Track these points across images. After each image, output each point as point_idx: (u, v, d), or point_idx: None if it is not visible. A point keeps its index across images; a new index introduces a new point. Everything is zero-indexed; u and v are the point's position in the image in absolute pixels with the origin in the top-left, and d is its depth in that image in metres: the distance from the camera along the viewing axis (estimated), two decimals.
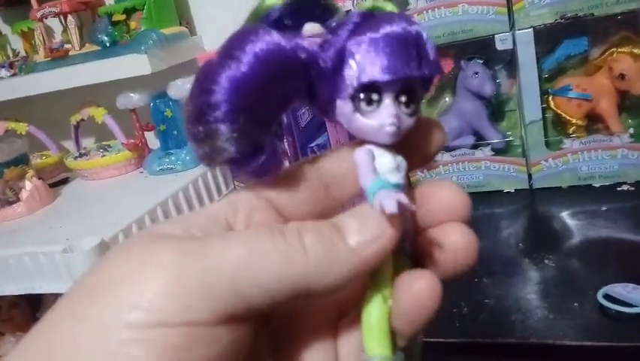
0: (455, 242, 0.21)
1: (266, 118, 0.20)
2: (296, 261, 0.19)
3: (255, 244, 0.19)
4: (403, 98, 0.20)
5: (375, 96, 0.20)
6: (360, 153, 0.21)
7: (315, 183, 0.22)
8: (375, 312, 0.20)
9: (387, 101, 0.20)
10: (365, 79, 0.19)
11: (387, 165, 0.21)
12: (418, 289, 0.20)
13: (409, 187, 0.22)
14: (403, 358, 0.21)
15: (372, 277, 0.21)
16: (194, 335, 0.18)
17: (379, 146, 0.21)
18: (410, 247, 0.22)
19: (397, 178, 0.21)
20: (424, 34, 0.20)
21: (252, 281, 0.18)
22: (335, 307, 0.23)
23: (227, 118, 0.19)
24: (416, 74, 0.20)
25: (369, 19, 0.20)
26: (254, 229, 0.20)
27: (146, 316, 0.17)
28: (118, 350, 0.17)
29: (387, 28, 0.20)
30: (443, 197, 0.22)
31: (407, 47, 0.20)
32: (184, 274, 0.18)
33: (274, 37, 0.19)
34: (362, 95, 0.20)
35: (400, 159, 0.21)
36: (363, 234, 0.19)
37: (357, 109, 0.20)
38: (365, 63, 0.20)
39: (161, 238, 0.19)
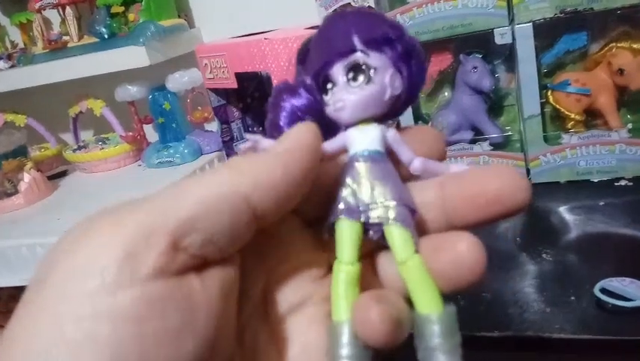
0: (462, 251, 0.20)
1: None
2: (221, 175, 0.20)
3: (181, 182, 0.20)
4: (350, 75, 0.22)
5: (329, 85, 0.23)
6: (338, 134, 0.23)
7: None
8: (341, 277, 0.21)
9: (340, 83, 0.22)
10: (310, 76, 0.23)
11: (359, 137, 0.23)
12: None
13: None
14: None
15: (340, 242, 0.21)
16: (151, 297, 0.17)
17: (353, 125, 0.23)
18: (411, 225, 0.21)
19: (372, 146, 0.22)
20: (349, 21, 0.22)
21: (183, 205, 0.18)
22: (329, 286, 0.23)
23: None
24: (344, 50, 0.22)
25: (315, 35, 0.24)
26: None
27: (94, 280, 0.17)
28: (73, 330, 0.16)
29: (318, 35, 0.23)
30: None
31: (332, 37, 0.22)
32: (120, 227, 0.18)
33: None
34: (321, 90, 0.23)
35: (379, 130, 0.23)
36: (284, 140, 0.21)
37: (325, 105, 0.23)
38: (310, 67, 0.23)
39: (99, 212, 0.20)
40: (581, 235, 0.60)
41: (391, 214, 0.21)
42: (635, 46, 0.68)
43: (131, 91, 0.97)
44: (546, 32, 0.70)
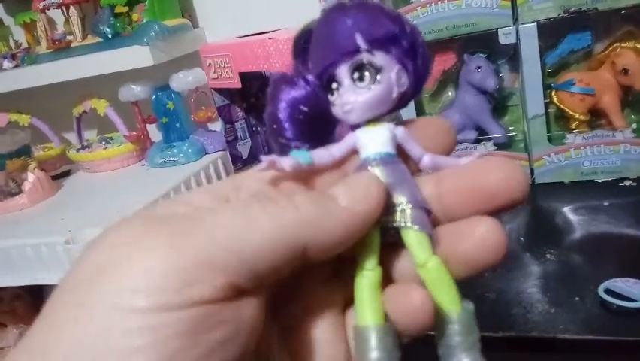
0: (483, 234, 0.21)
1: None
2: (287, 217, 0.19)
3: (245, 209, 0.19)
4: (355, 75, 0.22)
5: (334, 85, 0.22)
6: (346, 136, 0.23)
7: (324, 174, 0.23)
8: (364, 282, 0.21)
9: (345, 83, 0.22)
10: (314, 75, 0.23)
11: (369, 140, 0.22)
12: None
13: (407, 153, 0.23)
14: (393, 328, 0.21)
15: (359, 249, 0.22)
16: (198, 318, 0.17)
17: (361, 126, 0.23)
18: (428, 227, 0.21)
19: (383, 148, 0.22)
20: (350, 18, 0.22)
21: (247, 244, 0.18)
22: (341, 297, 0.23)
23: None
24: (348, 51, 0.21)
25: (315, 29, 0.23)
26: (241, 200, 0.21)
27: (146, 299, 0.17)
28: (121, 342, 0.17)
29: (319, 30, 0.23)
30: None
31: (334, 36, 0.22)
32: (179, 250, 0.18)
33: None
34: (326, 89, 0.22)
35: (388, 130, 0.23)
36: (352, 194, 0.20)
37: (331, 104, 0.23)
38: (313, 66, 0.23)
39: (152, 218, 0.20)
40: (586, 236, 0.60)
41: (408, 218, 0.21)
42: (639, 46, 0.68)
43: (135, 91, 0.97)
44: (550, 32, 0.70)
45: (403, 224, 0.21)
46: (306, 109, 0.23)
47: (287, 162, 0.21)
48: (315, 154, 0.22)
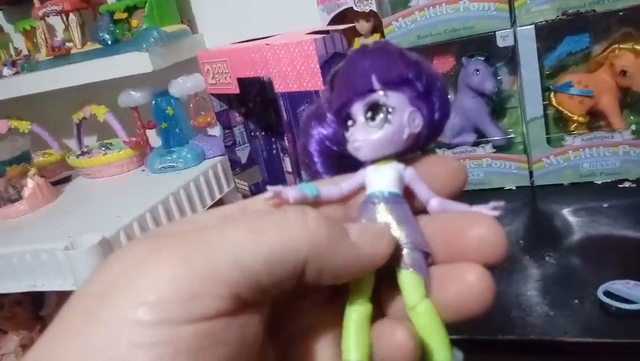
0: (472, 283, 0.21)
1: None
2: (295, 230, 0.19)
3: (255, 222, 0.20)
4: (368, 114, 0.22)
5: (349, 122, 0.23)
6: (356, 173, 0.23)
7: (335, 203, 0.23)
8: (353, 316, 0.21)
9: (359, 121, 0.22)
10: (332, 109, 0.24)
11: (376, 177, 0.23)
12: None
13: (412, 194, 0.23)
14: None
15: (353, 281, 0.22)
16: (203, 334, 0.17)
17: (372, 162, 0.23)
18: (423, 269, 0.22)
19: (389, 188, 0.22)
20: (369, 60, 0.23)
21: (253, 256, 0.18)
22: (339, 321, 0.23)
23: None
24: (362, 91, 0.22)
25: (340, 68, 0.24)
26: (251, 214, 0.22)
27: (152, 312, 0.17)
28: (126, 356, 0.17)
29: (341, 71, 0.23)
30: (476, 235, 0.21)
31: (353, 76, 0.23)
32: (186, 263, 0.18)
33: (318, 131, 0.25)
34: (343, 126, 0.23)
35: (395, 170, 0.23)
36: (363, 237, 0.21)
37: (346, 140, 0.23)
38: (332, 103, 0.24)
39: (161, 235, 0.20)
40: (585, 238, 0.59)
41: (404, 259, 0.21)
42: (637, 47, 0.68)
43: (134, 96, 0.97)
44: (548, 34, 0.70)
45: (398, 265, 0.21)
46: (334, 147, 0.24)
47: (292, 194, 0.22)
48: (324, 188, 0.23)
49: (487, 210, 0.22)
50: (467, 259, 0.21)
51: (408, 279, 0.21)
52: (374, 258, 0.21)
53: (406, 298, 0.21)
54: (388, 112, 0.22)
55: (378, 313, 0.22)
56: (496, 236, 0.21)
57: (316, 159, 0.24)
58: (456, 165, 0.24)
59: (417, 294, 0.21)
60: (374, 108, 0.22)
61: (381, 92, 0.22)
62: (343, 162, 0.24)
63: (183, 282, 0.18)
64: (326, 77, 0.51)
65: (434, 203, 0.23)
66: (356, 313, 0.21)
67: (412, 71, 0.22)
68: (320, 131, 0.24)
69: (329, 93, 0.24)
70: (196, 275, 0.18)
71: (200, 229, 0.20)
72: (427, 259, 0.22)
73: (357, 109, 0.22)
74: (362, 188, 0.23)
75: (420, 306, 0.21)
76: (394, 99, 0.22)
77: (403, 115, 0.22)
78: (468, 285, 0.20)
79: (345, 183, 0.23)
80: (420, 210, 0.23)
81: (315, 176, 0.25)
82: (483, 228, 0.21)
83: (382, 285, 0.22)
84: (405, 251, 0.21)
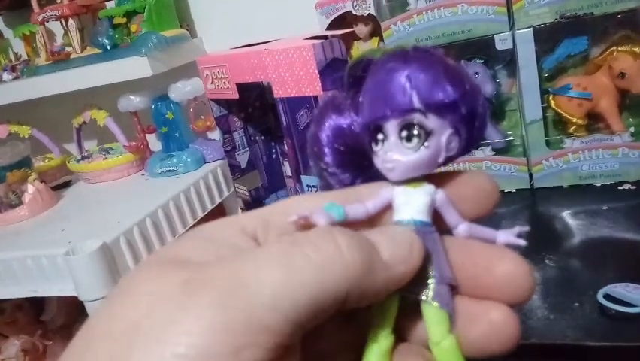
0: (498, 324, 0.20)
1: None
2: (332, 265, 0.18)
3: (287, 259, 0.18)
4: (403, 134, 0.21)
5: (380, 136, 0.21)
6: (382, 190, 0.22)
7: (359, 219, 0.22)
8: (374, 348, 0.21)
9: (391, 139, 0.21)
10: (361, 121, 0.22)
11: (406, 202, 0.22)
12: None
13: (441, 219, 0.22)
14: None
15: (377, 312, 0.21)
16: None
17: (400, 183, 0.22)
18: (450, 304, 0.21)
19: (419, 216, 0.21)
20: (410, 73, 0.20)
21: (293, 302, 0.17)
22: (357, 343, 0.23)
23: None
24: (401, 109, 0.20)
25: (372, 69, 0.22)
26: (280, 245, 0.19)
27: None
28: None
29: (376, 76, 0.21)
30: (502, 274, 0.20)
31: (390, 88, 0.20)
32: (225, 310, 0.16)
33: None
34: (371, 137, 0.21)
35: (428, 195, 0.22)
36: (393, 251, 0.20)
37: (372, 151, 0.22)
38: (362, 110, 0.22)
39: (183, 263, 0.18)
40: (585, 240, 0.59)
41: (430, 293, 0.21)
42: (635, 49, 0.68)
43: (134, 101, 0.97)
44: (546, 37, 0.70)
45: (424, 298, 0.21)
46: (347, 141, 0.23)
47: (320, 220, 0.20)
48: (350, 208, 0.21)
49: (514, 238, 0.22)
50: (492, 295, 0.20)
51: (434, 314, 0.21)
52: (407, 275, 0.20)
53: (430, 333, 0.21)
54: (427, 134, 0.20)
55: (399, 337, 0.22)
56: (523, 278, 0.20)
57: (326, 150, 0.23)
58: (488, 186, 0.23)
59: (442, 330, 0.20)
60: (410, 128, 0.20)
61: (421, 114, 0.20)
62: (354, 157, 0.23)
63: (223, 331, 0.16)
64: (325, 81, 0.50)
65: (462, 229, 0.22)
66: (378, 345, 0.21)
67: (457, 92, 0.20)
68: (336, 122, 0.23)
69: (352, 91, 0.23)
70: (237, 325, 0.16)
71: (231, 262, 0.18)
72: (453, 290, 0.21)
73: (392, 125, 0.21)
74: (388, 207, 0.22)
75: (444, 342, 0.20)
76: (434, 121, 0.20)
77: (440, 138, 0.21)
78: (494, 326, 0.20)
79: (370, 203, 0.22)
80: (445, 230, 0.22)
81: (322, 168, 0.23)
82: (510, 266, 0.20)
83: (405, 310, 0.22)
84: (432, 284, 0.21)
